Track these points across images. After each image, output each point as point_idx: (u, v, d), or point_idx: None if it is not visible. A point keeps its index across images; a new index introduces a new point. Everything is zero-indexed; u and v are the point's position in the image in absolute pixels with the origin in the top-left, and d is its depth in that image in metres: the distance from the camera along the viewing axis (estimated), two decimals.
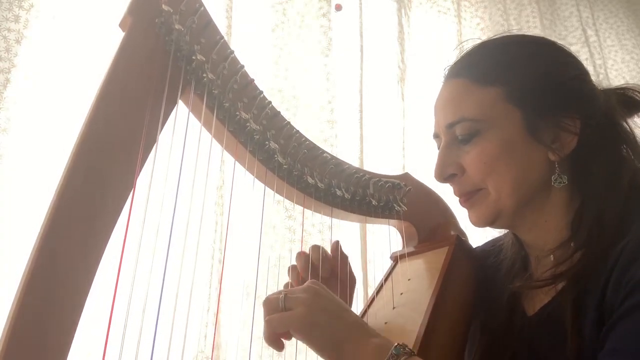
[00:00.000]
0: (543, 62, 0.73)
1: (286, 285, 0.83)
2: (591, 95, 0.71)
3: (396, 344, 0.57)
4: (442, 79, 0.78)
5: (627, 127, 0.71)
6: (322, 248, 0.84)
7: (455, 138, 0.72)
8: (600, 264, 0.62)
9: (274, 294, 0.62)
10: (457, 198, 0.77)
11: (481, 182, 0.71)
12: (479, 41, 0.78)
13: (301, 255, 0.83)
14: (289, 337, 0.61)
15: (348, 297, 0.85)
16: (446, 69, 0.78)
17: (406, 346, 0.57)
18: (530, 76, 0.71)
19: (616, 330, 0.55)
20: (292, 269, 0.83)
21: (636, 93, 0.73)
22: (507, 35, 0.79)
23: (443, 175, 0.74)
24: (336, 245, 0.86)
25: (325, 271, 0.82)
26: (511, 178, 0.69)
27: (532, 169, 0.70)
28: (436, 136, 0.78)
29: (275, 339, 0.61)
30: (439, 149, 0.77)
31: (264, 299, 0.62)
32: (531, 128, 0.69)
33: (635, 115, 0.73)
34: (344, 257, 0.86)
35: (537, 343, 0.69)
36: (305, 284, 0.64)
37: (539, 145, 0.69)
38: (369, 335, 0.60)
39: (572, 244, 0.67)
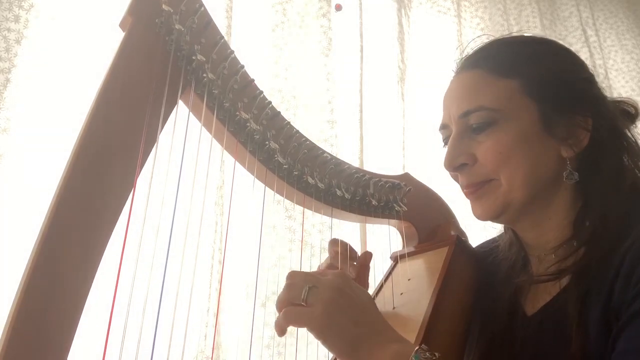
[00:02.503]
0: (559, 60, 0.74)
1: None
2: (601, 98, 0.73)
3: (417, 348, 0.55)
4: (455, 72, 0.78)
5: (630, 135, 0.72)
6: (352, 248, 0.82)
7: (468, 128, 0.72)
8: (604, 262, 0.62)
9: (300, 276, 0.59)
10: (462, 190, 0.76)
11: (494, 172, 0.71)
12: (483, 38, 0.79)
13: (336, 242, 0.80)
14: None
15: None
16: (459, 62, 0.78)
17: (427, 350, 0.54)
18: (548, 71, 0.72)
19: (627, 331, 0.55)
20: (333, 243, 0.80)
21: (630, 107, 0.75)
22: (523, 34, 0.80)
23: (454, 164, 0.73)
24: (366, 256, 0.84)
25: (352, 273, 0.81)
26: (524, 170, 0.69)
27: (544, 164, 0.70)
28: (444, 127, 0.78)
29: (284, 328, 0.58)
30: (444, 141, 0.77)
31: (288, 280, 0.59)
32: (546, 122, 0.69)
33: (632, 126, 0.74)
34: (368, 269, 0.84)
35: (537, 342, 0.69)
36: (333, 275, 0.60)
37: (552, 141, 0.70)
38: (388, 340, 0.57)
39: (574, 243, 0.67)
